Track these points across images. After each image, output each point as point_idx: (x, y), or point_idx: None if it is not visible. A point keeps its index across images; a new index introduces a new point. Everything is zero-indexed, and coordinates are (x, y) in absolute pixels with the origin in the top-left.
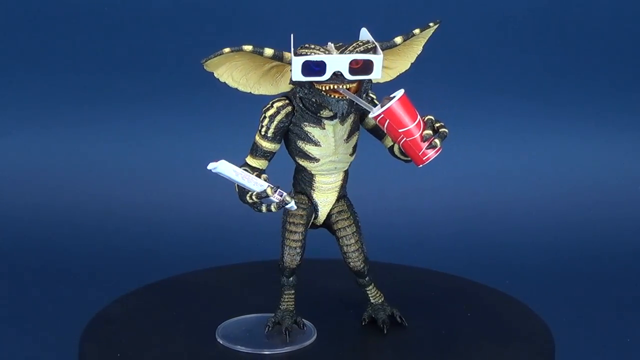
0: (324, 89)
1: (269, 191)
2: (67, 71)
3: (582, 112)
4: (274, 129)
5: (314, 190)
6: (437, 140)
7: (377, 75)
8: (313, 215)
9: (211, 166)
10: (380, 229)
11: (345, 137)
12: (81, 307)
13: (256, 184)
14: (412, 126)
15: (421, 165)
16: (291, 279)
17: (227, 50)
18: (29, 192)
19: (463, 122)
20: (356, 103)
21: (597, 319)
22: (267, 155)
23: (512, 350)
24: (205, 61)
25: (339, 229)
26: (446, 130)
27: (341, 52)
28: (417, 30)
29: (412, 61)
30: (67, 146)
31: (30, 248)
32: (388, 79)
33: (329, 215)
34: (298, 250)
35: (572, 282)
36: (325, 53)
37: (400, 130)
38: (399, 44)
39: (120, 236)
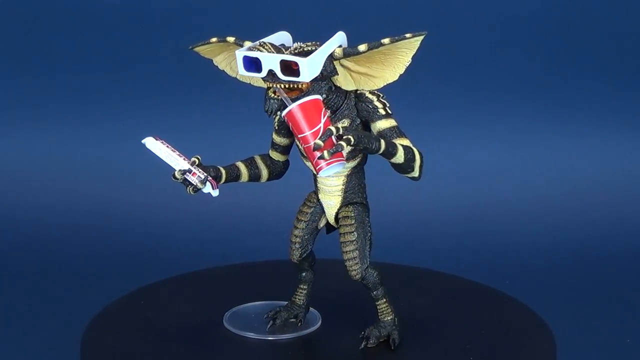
0: (266, 85)
1: (182, 175)
2: (67, 71)
3: (582, 112)
4: (277, 121)
5: (319, 190)
6: (325, 152)
7: (304, 78)
8: (323, 216)
9: (143, 140)
10: (380, 229)
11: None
12: (82, 308)
13: (177, 164)
14: (308, 133)
15: (320, 174)
16: (304, 274)
17: (214, 39)
18: (29, 193)
19: (463, 122)
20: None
21: (597, 319)
22: (276, 147)
23: (513, 350)
24: (192, 47)
25: (340, 234)
26: (342, 144)
27: (278, 52)
28: (386, 40)
29: (401, 72)
30: (67, 146)
31: (30, 248)
32: (374, 87)
33: (337, 219)
34: (297, 245)
35: (572, 282)
36: (261, 51)
37: (299, 136)
38: (363, 52)
39: (121, 236)
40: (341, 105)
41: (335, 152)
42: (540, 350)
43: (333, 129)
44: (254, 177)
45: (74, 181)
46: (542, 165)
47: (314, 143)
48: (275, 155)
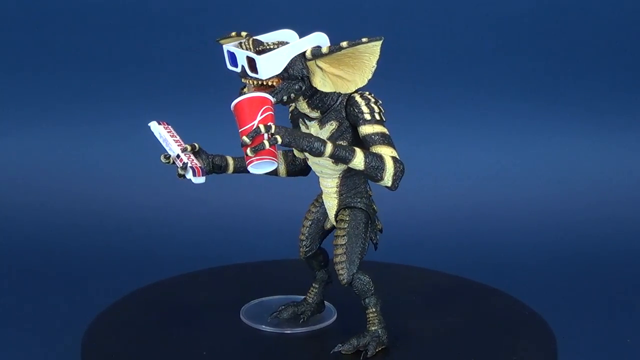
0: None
1: (166, 160)
2: (67, 71)
3: (582, 112)
4: (290, 117)
5: (321, 191)
6: (248, 150)
7: (261, 75)
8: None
9: (149, 124)
10: None
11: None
12: (82, 308)
13: (171, 149)
14: (242, 129)
15: (249, 169)
16: (316, 273)
17: (233, 33)
18: (29, 193)
19: (463, 122)
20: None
21: (598, 319)
22: None
23: (513, 349)
24: (218, 40)
25: (334, 237)
26: (265, 143)
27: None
28: (344, 43)
29: (369, 77)
30: (67, 146)
31: (30, 249)
32: (347, 90)
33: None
34: (303, 242)
35: (572, 282)
36: (240, 47)
37: (239, 131)
38: (326, 54)
39: (121, 236)
40: (331, 106)
41: (260, 150)
42: (540, 350)
43: (261, 127)
44: None
45: (74, 181)
46: (542, 165)
47: (242, 139)
48: (296, 152)
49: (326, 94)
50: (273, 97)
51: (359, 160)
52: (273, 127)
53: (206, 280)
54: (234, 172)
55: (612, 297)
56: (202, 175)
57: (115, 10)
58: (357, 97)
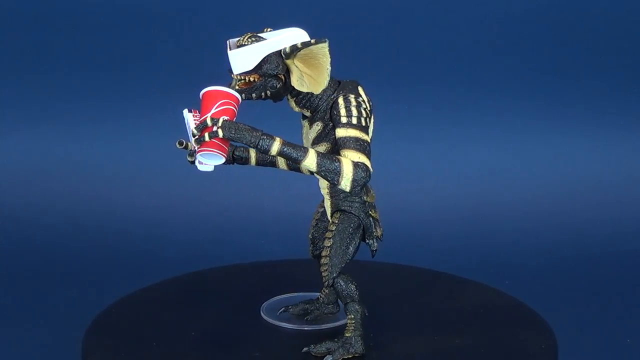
0: None
1: (179, 146)
2: (67, 71)
3: (582, 112)
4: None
5: None
6: (193, 140)
7: (234, 70)
8: None
9: (183, 111)
10: None
11: (311, 141)
12: (83, 308)
13: (190, 137)
14: (198, 120)
15: (197, 157)
16: None
17: (248, 34)
18: (29, 193)
19: (463, 122)
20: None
21: (598, 319)
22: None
23: (513, 349)
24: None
25: (325, 238)
26: (205, 136)
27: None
28: (299, 44)
29: (326, 78)
30: (67, 146)
31: (31, 249)
32: (316, 91)
33: None
34: (310, 242)
35: (572, 282)
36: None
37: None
38: (289, 53)
39: (121, 237)
40: (319, 106)
41: (203, 142)
42: (541, 350)
43: (208, 121)
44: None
45: (74, 181)
46: (542, 165)
47: (191, 130)
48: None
49: (312, 94)
50: (252, 93)
51: (310, 162)
52: (220, 120)
53: (207, 280)
54: (256, 164)
55: (612, 297)
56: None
57: (115, 11)
58: (340, 99)
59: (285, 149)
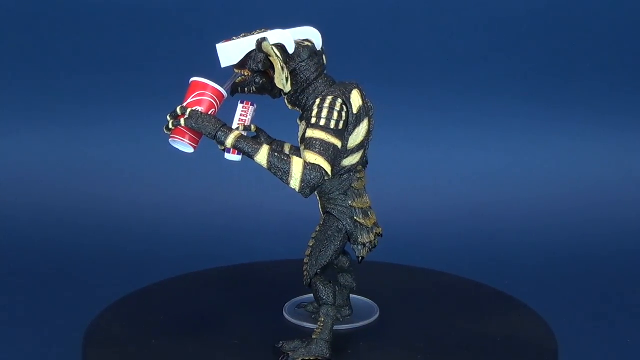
0: None
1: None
2: (67, 71)
3: (582, 112)
4: None
5: None
6: (164, 127)
7: (221, 63)
8: None
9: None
10: None
11: (299, 139)
12: (83, 308)
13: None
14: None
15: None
16: (338, 276)
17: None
18: (29, 192)
19: (463, 122)
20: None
21: (597, 319)
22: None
23: (514, 349)
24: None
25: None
26: (168, 122)
27: None
28: (255, 44)
29: (281, 77)
30: (67, 146)
31: (31, 249)
32: (283, 89)
33: None
34: None
35: (572, 282)
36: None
37: None
38: (261, 52)
39: (121, 236)
40: (306, 105)
41: (171, 129)
42: (541, 350)
43: (178, 109)
44: None
45: (74, 181)
46: (542, 165)
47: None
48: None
49: (301, 92)
50: (245, 87)
51: (261, 158)
52: (188, 111)
53: (207, 280)
54: None
55: (612, 297)
56: (238, 154)
57: (115, 11)
58: (318, 100)
59: (238, 143)
